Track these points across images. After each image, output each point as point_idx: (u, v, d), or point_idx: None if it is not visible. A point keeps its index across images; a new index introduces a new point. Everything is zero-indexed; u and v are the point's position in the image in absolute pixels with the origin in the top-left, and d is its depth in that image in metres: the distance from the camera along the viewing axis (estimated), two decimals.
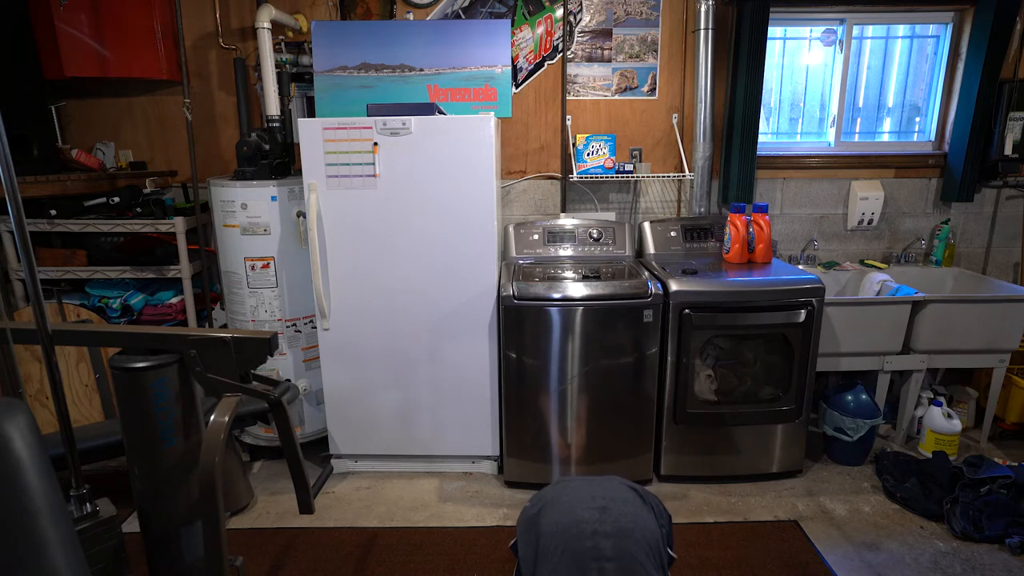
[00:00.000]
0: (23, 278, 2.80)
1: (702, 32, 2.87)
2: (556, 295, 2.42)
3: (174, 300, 2.88)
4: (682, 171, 3.12)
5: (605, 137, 2.97)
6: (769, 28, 2.86)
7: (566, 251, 2.98)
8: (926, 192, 3.21)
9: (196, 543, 1.55)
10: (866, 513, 2.44)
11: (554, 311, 2.42)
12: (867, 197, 3.13)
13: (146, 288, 2.92)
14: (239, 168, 2.65)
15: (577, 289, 2.43)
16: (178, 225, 2.75)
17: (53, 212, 2.72)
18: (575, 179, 3.04)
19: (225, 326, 2.98)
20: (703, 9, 2.84)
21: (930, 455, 2.67)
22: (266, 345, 1.48)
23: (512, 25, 2.97)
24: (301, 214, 2.62)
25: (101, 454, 2.21)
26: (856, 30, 3.12)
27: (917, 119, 3.27)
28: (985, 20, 2.89)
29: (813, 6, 3.02)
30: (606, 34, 3.01)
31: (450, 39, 2.93)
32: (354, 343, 2.62)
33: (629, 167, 2.98)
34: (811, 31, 3.15)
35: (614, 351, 2.46)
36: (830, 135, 3.24)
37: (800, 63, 3.21)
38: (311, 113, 3.04)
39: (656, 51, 3.02)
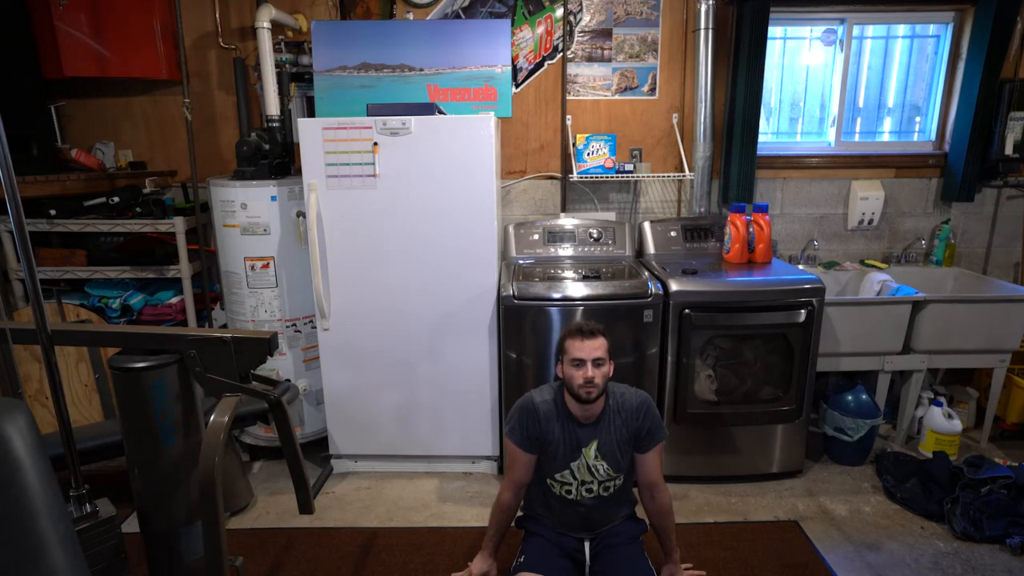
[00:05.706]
0: (23, 278, 2.79)
1: (702, 32, 2.87)
2: (556, 295, 2.42)
3: (174, 300, 2.88)
4: (682, 171, 3.12)
5: (605, 137, 2.97)
6: (769, 28, 2.85)
7: (566, 251, 2.97)
8: (926, 192, 3.21)
9: (196, 543, 1.56)
10: (866, 513, 2.44)
11: (554, 311, 2.42)
12: (867, 197, 3.13)
13: (146, 288, 2.92)
14: (239, 168, 2.65)
15: (577, 289, 2.43)
16: (178, 225, 2.75)
17: (53, 212, 2.72)
18: (575, 179, 3.04)
19: (225, 326, 2.97)
20: (703, 9, 2.84)
21: (930, 455, 2.67)
22: (266, 345, 1.48)
23: (512, 25, 2.97)
24: (301, 214, 2.62)
25: (101, 454, 2.21)
26: (856, 30, 3.12)
27: (917, 119, 3.27)
28: (985, 20, 2.89)
29: (813, 6, 3.02)
30: (606, 34, 3.00)
31: (450, 39, 2.93)
32: (354, 343, 2.61)
33: (629, 167, 2.98)
34: (811, 31, 3.15)
35: (614, 351, 2.43)
36: (830, 135, 3.24)
37: (800, 63, 3.21)
38: (311, 113, 3.04)
39: (656, 51, 3.02)
